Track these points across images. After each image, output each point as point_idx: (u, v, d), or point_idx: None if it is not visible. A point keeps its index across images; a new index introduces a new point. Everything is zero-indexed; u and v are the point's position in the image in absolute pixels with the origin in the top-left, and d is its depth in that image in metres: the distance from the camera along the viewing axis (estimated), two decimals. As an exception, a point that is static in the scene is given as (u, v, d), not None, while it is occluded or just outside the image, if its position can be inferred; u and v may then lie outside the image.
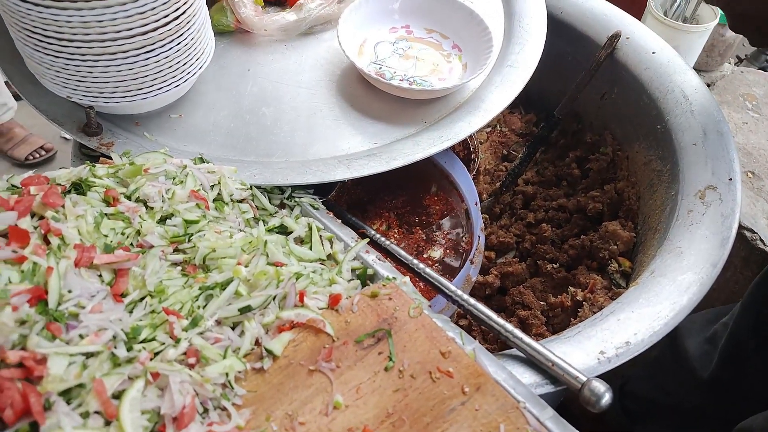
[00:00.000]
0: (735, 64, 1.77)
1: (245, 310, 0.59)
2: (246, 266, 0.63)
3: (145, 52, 0.73)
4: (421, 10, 1.00)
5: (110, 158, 0.75)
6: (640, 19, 1.34)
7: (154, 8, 0.70)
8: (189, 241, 0.65)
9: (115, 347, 0.50)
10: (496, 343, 0.90)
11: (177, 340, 0.53)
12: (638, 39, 1.02)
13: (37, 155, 2.28)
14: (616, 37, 1.02)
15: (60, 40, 0.69)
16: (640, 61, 0.99)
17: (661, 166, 0.92)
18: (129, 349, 0.50)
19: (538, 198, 1.15)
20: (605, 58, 1.02)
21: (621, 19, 1.06)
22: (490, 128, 1.25)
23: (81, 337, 0.50)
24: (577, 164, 1.14)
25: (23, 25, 0.69)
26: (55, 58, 0.71)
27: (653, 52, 0.99)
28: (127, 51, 0.71)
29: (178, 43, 0.76)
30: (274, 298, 0.60)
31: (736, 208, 0.76)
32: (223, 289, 0.59)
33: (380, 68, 0.94)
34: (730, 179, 0.79)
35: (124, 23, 0.69)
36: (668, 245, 0.75)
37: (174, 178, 0.70)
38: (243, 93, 0.90)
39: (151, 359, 0.51)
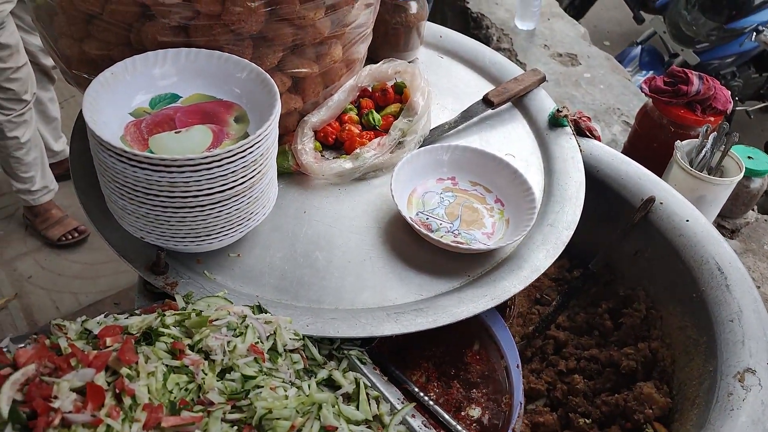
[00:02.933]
0: (759, 212, 1.83)
1: (298, 481, 0.60)
2: (300, 430, 0.65)
3: (221, 206, 0.79)
4: (468, 164, 1.07)
5: (173, 298, 0.80)
6: (664, 169, 1.41)
7: (235, 171, 0.76)
8: (246, 397, 0.67)
9: None
10: None
11: None
12: (672, 205, 1.07)
13: (70, 237, 2.36)
14: (650, 201, 1.08)
15: (147, 194, 0.75)
16: (673, 228, 1.04)
17: (697, 336, 0.94)
18: None
19: (570, 345, 1.16)
20: (639, 220, 1.07)
21: (655, 184, 1.12)
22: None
23: None
24: (609, 315, 1.16)
25: (114, 177, 0.76)
26: (137, 207, 0.77)
27: (687, 220, 1.04)
28: (205, 205, 0.78)
29: (250, 197, 0.82)
30: (325, 469, 0.62)
31: (777, 396, 0.77)
32: (278, 457, 0.61)
33: (427, 219, 0.99)
34: (769, 362, 0.81)
35: (207, 183, 0.75)
36: (709, 430, 0.75)
37: (235, 330, 0.74)
38: (298, 235, 0.96)
39: None
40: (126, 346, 0.63)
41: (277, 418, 0.65)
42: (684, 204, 1.07)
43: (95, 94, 0.79)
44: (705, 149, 1.66)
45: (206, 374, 0.67)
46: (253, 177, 0.80)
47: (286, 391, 0.70)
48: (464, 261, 0.95)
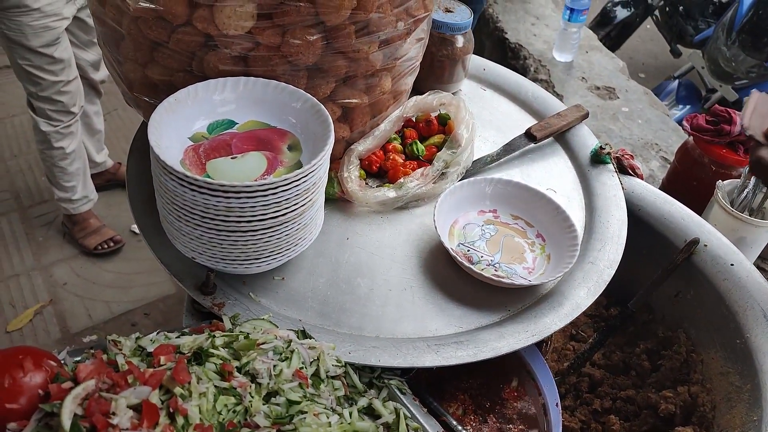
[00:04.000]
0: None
1: None
2: (342, 458, 0.66)
3: (272, 231, 0.81)
4: (510, 198, 1.08)
5: (221, 319, 0.81)
6: (703, 208, 1.40)
7: (288, 198, 0.79)
8: (290, 422, 0.68)
9: None
10: None
11: None
12: (716, 248, 1.06)
13: (106, 246, 2.43)
14: (694, 243, 1.07)
15: (203, 218, 0.78)
16: (718, 272, 1.03)
17: (740, 383, 0.92)
18: None
19: (605, 384, 1.15)
20: (682, 261, 1.07)
21: (699, 226, 1.11)
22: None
23: None
24: (647, 356, 1.15)
25: (173, 199, 0.79)
26: (193, 229, 0.80)
27: (732, 264, 1.03)
28: (257, 230, 0.80)
29: (299, 223, 0.84)
30: (368, 501, 0.62)
31: (826, 452, 0.75)
32: (323, 485, 0.62)
33: (468, 251, 1.00)
34: (818, 417, 0.79)
35: (261, 210, 0.77)
36: (755, 483, 0.74)
37: (281, 353, 0.75)
38: (341, 261, 0.97)
39: None
40: (180, 366, 0.65)
41: (321, 446, 0.66)
42: (728, 247, 1.06)
43: (160, 118, 0.82)
44: (747, 190, 1.64)
45: (253, 397, 0.69)
46: (304, 205, 0.82)
47: (328, 417, 0.71)
48: (504, 295, 0.95)
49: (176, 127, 0.85)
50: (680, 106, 3.33)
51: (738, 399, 0.91)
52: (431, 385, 0.90)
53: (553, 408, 0.86)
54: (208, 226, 0.78)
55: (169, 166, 0.75)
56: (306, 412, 0.70)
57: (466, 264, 0.95)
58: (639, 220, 1.16)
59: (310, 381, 0.75)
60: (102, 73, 2.37)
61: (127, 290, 2.31)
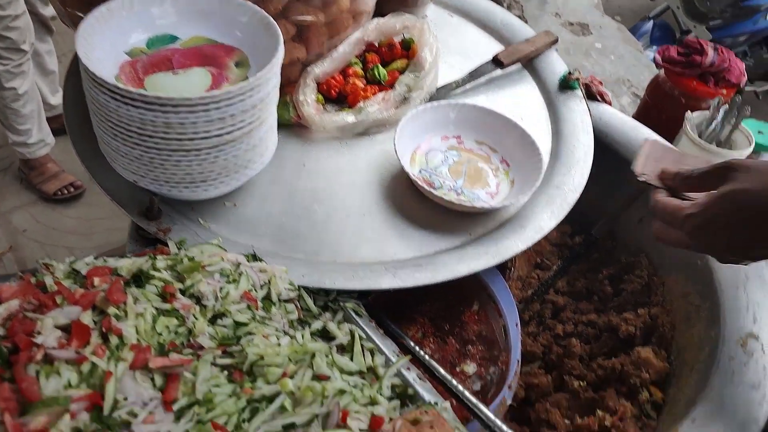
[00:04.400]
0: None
1: (289, 427, 0.59)
2: (291, 377, 0.64)
3: (217, 151, 0.76)
4: (474, 123, 1.04)
5: (166, 244, 0.78)
6: (674, 138, 1.38)
7: (234, 115, 0.74)
8: (238, 343, 0.66)
9: (166, 464, 0.50)
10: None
11: (223, 460, 0.53)
12: (681, 171, 1.04)
13: (66, 192, 2.34)
14: None
15: (141, 135, 0.72)
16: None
17: (699, 302, 0.92)
18: (178, 467, 0.50)
19: (568, 309, 1.15)
20: (647, 187, 1.05)
21: (665, 150, 1.09)
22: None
23: (133, 450, 0.50)
24: (609, 281, 1.14)
25: (107, 116, 0.73)
26: (131, 149, 0.75)
27: (695, 187, 1.02)
28: (201, 149, 0.75)
29: (248, 144, 0.79)
30: (317, 417, 0.61)
31: (779, 363, 0.76)
32: (270, 403, 0.60)
33: (430, 176, 0.97)
34: (772, 329, 0.80)
35: (204, 126, 0.72)
36: (709, 393, 0.74)
37: (228, 276, 0.72)
38: (297, 188, 0.93)
39: (198, 479, 0.51)
40: (115, 286, 0.61)
41: (269, 365, 0.64)
42: (693, 170, 1.04)
43: (90, 29, 0.76)
44: (715, 122, 1.62)
45: (197, 319, 0.66)
46: (251, 123, 0.77)
47: (278, 339, 0.69)
48: (466, 220, 0.93)
49: (110, 40, 0.79)
50: (654, 47, 3.29)
51: (697, 318, 0.92)
52: (390, 310, 0.88)
53: (513, 328, 0.85)
54: (147, 145, 0.73)
55: (99, 78, 0.69)
56: (254, 334, 0.67)
57: (428, 189, 0.91)
58: (606, 147, 1.13)
59: (260, 304, 0.73)
60: (52, 9, 2.24)
61: (90, 236, 2.24)
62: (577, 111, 1.13)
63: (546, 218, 0.92)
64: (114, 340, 0.57)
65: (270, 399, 0.60)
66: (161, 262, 0.70)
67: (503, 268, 1.11)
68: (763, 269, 0.87)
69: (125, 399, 0.53)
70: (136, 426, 0.52)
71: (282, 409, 0.60)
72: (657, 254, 1.08)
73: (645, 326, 1.03)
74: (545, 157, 1.03)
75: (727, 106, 1.49)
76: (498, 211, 0.94)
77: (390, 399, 0.68)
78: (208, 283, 0.69)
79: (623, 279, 1.12)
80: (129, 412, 0.53)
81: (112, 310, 0.60)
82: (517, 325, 0.85)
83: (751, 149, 1.59)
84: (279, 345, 0.67)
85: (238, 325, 0.67)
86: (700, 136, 1.60)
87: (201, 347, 0.63)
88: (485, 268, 0.84)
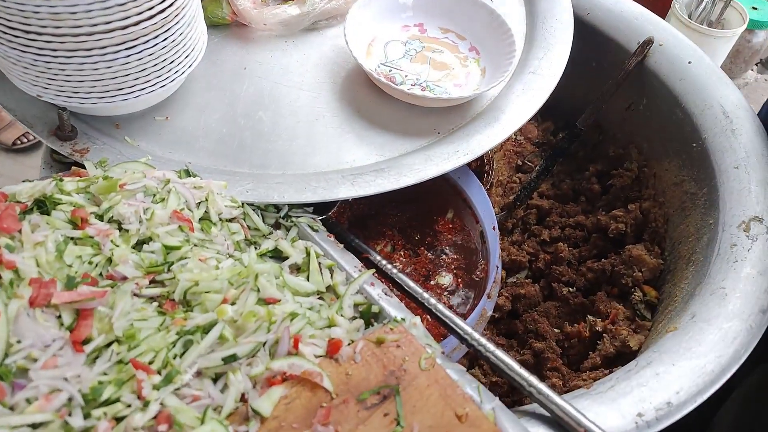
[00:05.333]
0: (758, 72, 1.69)
1: (230, 359, 0.50)
2: (233, 303, 0.55)
3: (126, 49, 0.64)
4: (437, 8, 0.91)
5: (84, 167, 0.67)
6: (665, 15, 1.25)
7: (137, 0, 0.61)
8: (168, 270, 0.56)
9: (70, 414, 0.42)
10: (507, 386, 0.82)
11: (146, 402, 0.44)
12: (673, 47, 0.93)
13: (26, 140, 2.19)
14: (648, 43, 0.93)
15: (27, 32, 0.60)
16: (674, 71, 0.91)
17: (695, 189, 0.84)
18: (86, 416, 0.42)
19: (554, 214, 1.06)
20: (635, 66, 0.94)
21: (655, 24, 0.97)
22: (504, 136, 1.16)
23: (28, 401, 0.41)
24: (597, 179, 1.05)
25: (-16, 14, 0.60)
26: (21, 53, 0.62)
27: (689, 62, 0.91)
28: (105, 47, 0.62)
29: (164, 39, 0.67)
30: (264, 345, 0.52)
31: (786, 245, 0.68)
32: (206, 334, 0.51)
33: (390, 71, 0.85)
34: (778, 210, 0.71)
35: (102, 16, 0.60)
36: (710, 284, 0.67)
37: (154, 195, 0.62)
38: (238, 94, 0.81)
39: (113, 428, 0.43)
40: (5, 212, 0.51)
41: (207, 292, 0.55)
42: (686, 44, 0.93)
43: None
44: (705, 1, 1.49)
45: (117, 245, 0.56)
46: (163, 11, 0.64)
47: (219, 262, 0.59)
48: (434, 116, 0.82)
49: None
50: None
51: (693, 207, 0.83)
52: (355, 224, 0.79)
53: (490, 232, 0.76)
54: (38, 45, 0.61)
55: (-42, -39, 0.55)
56: (188, 258, 0.58)
57: (389, 85, 0.80)
58: (587, 27, 1.01)
59: (198, 225, 0.63)
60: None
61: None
62: (555, -9, 0.99)
63: (522, 107, 0.81)
64: (7, 275, 0.48)
65: (206, 330, 0.51)
66: (70, 184, 0.59)
67: (480, 172, 1.01)
68: (764, 144, 0.78)
69: (19, 342, 0.44)
70: (34, 372, 0.43)
71: (221, 339, 0.51)
72: (647, 143, 0.98)
73: (636, 223, 0.95)
74: (519, 40, 0.91)
75: (719, -19, 1.34)
76: (468, 104, 0.83)
77: (352, 319, 0.60)
78: (129, 204, 0.59)
79: (612, 174, 1.03)
80: (26, 357, 0.44)
81: (2, 240, 0.50)
82: (494, 228, 0.76)
83: (744, 27, 1.46)
84: (217, 269, 0.57)
85: (168, 249, 0.58)
86: (690, 17, 1.47)
87: (123, 278, 0.54)
88: (456, 167, 0.74)
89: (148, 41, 0.65)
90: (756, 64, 1.89)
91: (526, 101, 0.82)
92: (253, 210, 0.69)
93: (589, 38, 1.00)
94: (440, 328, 0.70)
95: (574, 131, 0.99)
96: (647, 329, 0.82)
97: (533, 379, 0.55)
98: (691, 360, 0.59)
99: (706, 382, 0.57)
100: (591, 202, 1.06)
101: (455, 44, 0.90)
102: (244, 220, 0.68)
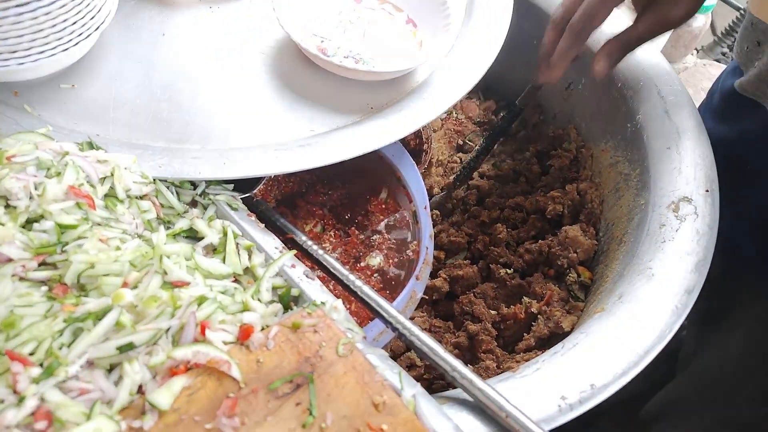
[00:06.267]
0: (699, 57, 1.72)
1: (126, 348, 0.46)
2: (135, 287, 0.50)
3: (17, 6, 0.57)
4: (373, -23, 0.86)
5: (-27, 138, 0.60)
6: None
7: (23, -52, 0.54)
8: (62, 252, 0.51)
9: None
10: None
11: (21, 398, 0.40)
12: (612, 27, 0.92)
13: None
14: (533, 91, 0.92)
15: None
16: (612, 51, 0.90)
17: (629, 170, 0.83)
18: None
19: (494, 195, 1.05)
20: (506, 125, 0.93)
21: (593, 2, 0.95)
22: (445, 115, 1.14)
23: None
24: (537, 160, 1.04)
25: None
26: None
27: (627, 42, 0.90)
28: (-10, 2, 0.56)
29: (63, -3, 0.60)
30: (166, 332, 0.48)
31: (714, 225, 0.68)
32: (99, 320, 0.46)
33: (322, 42, 0.81)
34: (707, 190, 0.71)
35: (-19, -35, 0.53)
36: (637, 264, 0.66)
37: (49, 169, 0.56)
38: (155, 63, 0.75)
39: (-20, 428, 0.38)
40: None
41: (105, 275, 0.50)
42: (626, 25, 0.91)
43: None
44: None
45: (2, 224, 0.50)
46: (60, -36, 0.58)
47: (123, 242, 0.54)
48: (367, 91, 0.78)
49: None
50: None
51: (626, 187, 0.83)
52: (283, 203, 0.75)
53: (422, 212, 0.73)
54: None
55: None
56: (86, 238, 0.52)
57: (320, 56, 0.75)
58: (528, 4, 0.99)
59: (101, 202, 0.57)
60: None
61: None
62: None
63: (457, 85, 0.78)
64: None
65: (100, 316, 0.47)
66: (-52, 156, 0.53)
67: (418, 151, 0.99)
68: (700, 128, 0.78)
69: None
70: None
71: (119, 327, 0.47)
72: (585, 123, 0.97)
73: (573, 204, 0.94)
74: (457, 15, 0.88)
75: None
76: (404, 79, 0.79)
77: (270, 303, 0.56)
78: (18, 178, 0.53)
79: (551, 155, 1.02)
80: None
81: None
82: (426, 208, 0.73)
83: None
84: (119, 250, 0.52)
85: (63, 228, 0.52)
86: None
87: (8, 260, 0.48)
88: (387, 144, 0.70)
89: (41, -2, 0.58)
90: (696, 50, 1.93)
91: (462, 77, 0.79)
92: (168, 187, 0.64)
93: (530, 15, 0.98)
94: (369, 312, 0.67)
95: (513, 110, 0.97)
96: (580, 310, 0.82)
97: (457, 364, 0.53)
98: (615, 341, 0.58)
99: (630, 362, 0.56)
100: (531, 183, 1.05)
101: (392, 15, 0.86)
102: (157, 197, 0.63)
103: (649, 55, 0.88)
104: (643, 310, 0.60)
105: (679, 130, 0.78)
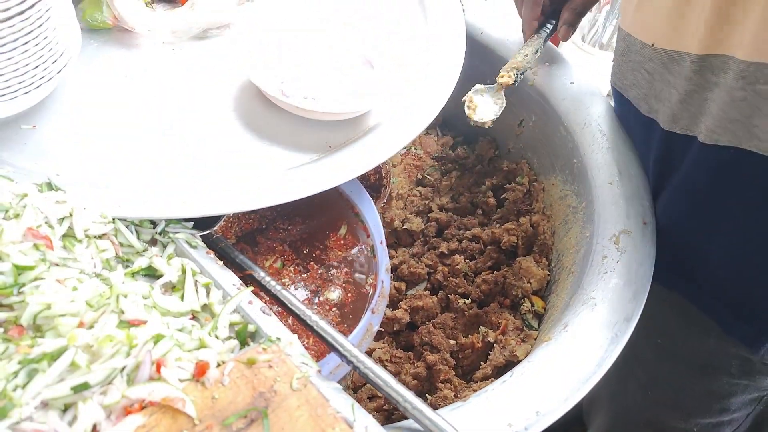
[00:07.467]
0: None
1: (81, 388, 0.47)
2: (91, 327, 0.51)
3: (-23, 52, 0.59)
4: (336, 17, 0.90)
5: (-70, 179, 0.60)
6: (557, 44, 1.32)
7: (-14, -1, 0.56)
8: (19, 293, 0.52)
9: None
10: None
11: (-28, 442, 0.40)
12: (557, 68, 0.98)
13: None
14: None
15: None
16: (558, 91, 0.95)
17: (576, 203, 0.88)
18: None
19: (452, 226, 1.09)
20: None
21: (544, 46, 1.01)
22: (404, 150, 1.18)
23: None
24: (492, 192, 1.09)
25: None
26: None
27: (571, 83, 0.96)
28: (-49, 49, 0.57)
29: (26, 43, 0.62)
30: (122, 371, 0.49)
31: (652, 254, 0.72)
32: (55, 360, 0.47)
33: (282, 83, 0.84)
34: (645, 223, 0.76)
35: (-57, 15, 0.55)
36: (582, 295, 0.70)
37: (7, 211, 0.57)
38: (117, 103, 0.77)
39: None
40: None
41: (61, 315, 0.51)
42: (570, 65, 0.98)
43: None
44: (597, 24, 1.58)
45: (-42, 267, 0.51)
46: (22, 12, 0.60)
47: (81, 282, 0.55)
48: (326, 130, 0.81)
49: None
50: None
51: (574, 220, 0.87)
52: (244, 240, 0.77)
53: (379, 246, 0.76)
54: None
55: None
56: (44, 279, 0.53)
57: (280, 98, 0.78)
58: (481, 45, 1.04)
59: (59, 243, 0.58)
60: None
61: None
62: (447, 2, 1.02)
63: (414, 121, 0.82)
64: None
65: (55, 357, 0.47)
66: None
67: (378, 186, 1.02)
68: (635, 164, 0.83)
69: None
70: None
71: (74, 367, 0.48)
72: (537, 158, 1.02)
73: (527, 235, 0.98)
74: (415, 55, 0.92)
75: (608, 6, 1.44)
76: (362, 118, 0.83)
77: (227, 339, 0.57)
78: (-25, 221, 0.54)
79: (506, 188, 1.06)
80: None
81: None
82: (382, 242, 0.76)
83: (631, 50, 1.57)
84: (76, 290, 0.54)
85: (20, 270, 0.53)
86: (582, 40, 1.55)
87: (-37, 302, 0.49)
88: (344, 181, 0.73)
89: (5, 44, 0.60)
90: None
91: (418, 115, 0.83)
92: (127, 226, 0.65)
93: (482, 55, 1.04)
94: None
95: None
96: (534, 339, 0.85)
97: (408, 395, 0.55)
98: (559, 369, 0.61)
99: (572, 389, 0.59)
100: (487, 215, 1.09)
101: (351, 55, 0.90)
102: (116, 236, 0.64)
103: (592, 94, 0.94)
104: (585, 338, 0.64)
105: (619, 165, 0.83)
